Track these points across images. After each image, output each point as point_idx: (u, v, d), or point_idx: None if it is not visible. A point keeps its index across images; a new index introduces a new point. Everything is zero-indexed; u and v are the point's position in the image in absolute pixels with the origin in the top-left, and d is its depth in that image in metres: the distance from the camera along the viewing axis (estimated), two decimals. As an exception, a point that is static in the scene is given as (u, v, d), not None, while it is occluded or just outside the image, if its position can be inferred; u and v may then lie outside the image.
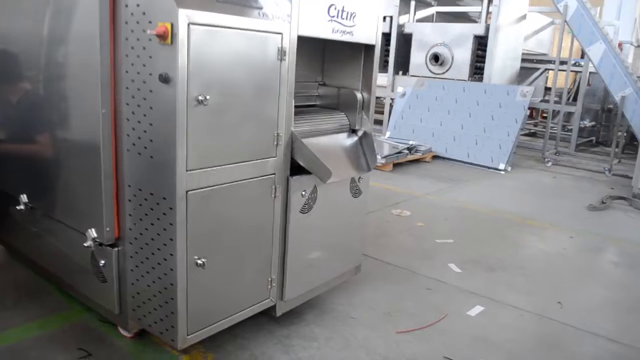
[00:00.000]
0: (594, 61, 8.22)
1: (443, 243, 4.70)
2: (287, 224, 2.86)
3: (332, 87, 3.41)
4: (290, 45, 2.64)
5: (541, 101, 10.18)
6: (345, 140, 3.27)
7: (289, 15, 2.62)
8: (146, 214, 2.47)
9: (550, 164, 8.60)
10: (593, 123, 11.10)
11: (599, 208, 6.19)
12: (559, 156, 8.96)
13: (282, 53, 2.59)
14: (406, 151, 7.77)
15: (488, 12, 9.18)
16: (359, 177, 3.27)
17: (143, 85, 2.34)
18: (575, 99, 10.48)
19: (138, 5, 2.30)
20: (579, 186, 7.36)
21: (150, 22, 2.25)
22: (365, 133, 3.31)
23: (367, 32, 3.15)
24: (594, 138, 11.05)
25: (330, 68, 3.44)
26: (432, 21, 10.70)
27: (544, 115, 12.56)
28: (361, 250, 3.57)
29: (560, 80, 13.92)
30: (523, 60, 10.22)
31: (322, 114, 3.22)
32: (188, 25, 2.17)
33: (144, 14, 2.28)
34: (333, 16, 2.89)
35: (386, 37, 9.93)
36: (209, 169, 2.40)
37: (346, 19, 2.97)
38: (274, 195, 2.75)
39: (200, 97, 2.26)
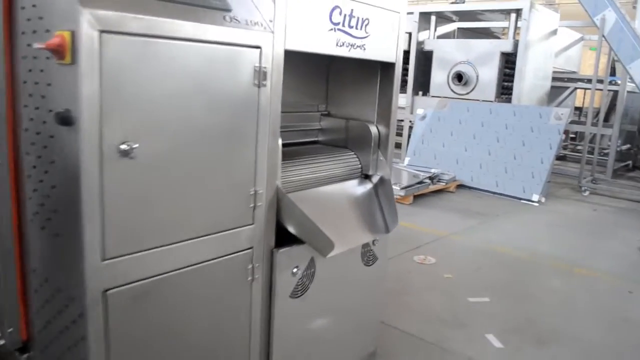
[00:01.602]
0: (637, 79, 7.28)
1: (477, 302, 3.79)
2: (271, 315, 2.00)
3: (339, 119, 2.57)
4: (274, 63, 1.80)
5: (571, 122, 9.22)
6: (356, 189, 2.41)
7: (271, 21, 1.79)
8: (54, 316, 1.63)
9: (587, 193, 7.64)
10: (628, 146, 10.10)
11: (654, 250, 5.24)
12: (596, 184, 7.98)
13: (261, 75, 1.76)
14: (428, 181, 6.88)
15: (516, 27, 8.30)
16: (374, 240, 2.41)
17: (43, 126, 1.51)
18: (606, 120, 9.48)
19: (34, 6, 1.48)
20: (624, 221, 6.38)
21: (47, 30, 1.43)
22: (382, 179, 2.45)
23: (385, 46, 2.31)
24: (630, 162, 10.04)
25: (336, 93, 2.60)
26: (454, 37, 9.84)
27: (572, 136, 11.59)
28: (376, 331, 2.69)
29: (588, 100, 12.96)
30: (553, 79, 9.30)
31: (324, 154, 2.37)
32: (99, 33, 1.34)
33: (40, 18, 1.46)
34: (337, 23, 2.05)
35: (405, 54, 9.08)
36: (141, 253, 1.54)
37: (356, 27, 2.13)
38: (251, 278, 1.89)
39: (123, 146, 1.43)
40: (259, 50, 1.74)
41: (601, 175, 8.55)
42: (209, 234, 1.72)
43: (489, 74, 8.32)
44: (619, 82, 8.68)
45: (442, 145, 7.91)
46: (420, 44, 9.08)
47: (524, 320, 3.55)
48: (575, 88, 10.35)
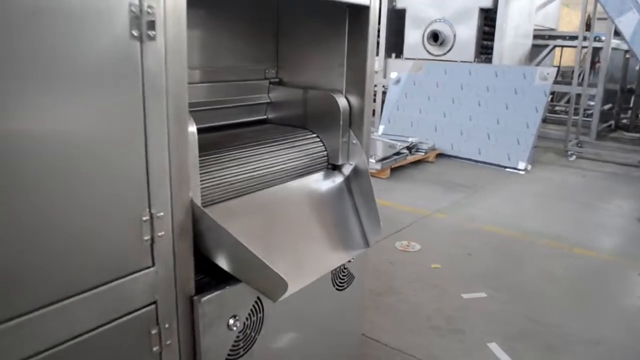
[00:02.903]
0: (626, 34, 6.64)
1: (473, 299, 3.16)
2: (197, 394, 1.30)
3: (294, 88, 1.85)
4: (167, 1, 1.06)
5: (554, 83, 8.60)
6: (320, 187, 1.70)
7: None
8: None
9: (574, 157, 7.06)
10: (610, 105, 9.55)
11: (656, 221, 4.69)
12: (582, 148, 7.42)
13: (143, 22, 1.02)
14: (406, 151, 6.21)
15: (495, -20, 7.55)
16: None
17: None
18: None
19: None
20: (616, 188, 5.83)
21: None
22: (356, 171, 1.74)
23: (354, -21, 1.58)
24: (612, 122, 9.51)
25: (289, 53, 1.87)
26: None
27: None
28: (357, 350, 2.03)
29: (566, 58, 12.38)
30: (533, 37, 8.62)
31: (273, 139, 1.65)
32: None
33: None
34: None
35: (375, 14, 8.29)
36: None
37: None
38: (158, 348, 1.19)
39: None
40: (139, -23, 1.00)
41: (586, 137, 7.99)
42: (75, 295, 1.00)
43: (467, 33, 7.60)
44: (603, 38, 8.05)
45: (418, 112, 7.22)
46: (391, 1, 8.27)
47: (528, 320, 2.93)
48: (555, 46, 9.71)
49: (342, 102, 1.70)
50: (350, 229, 1.64)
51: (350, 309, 1.87)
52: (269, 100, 1.89)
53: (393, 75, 7.76)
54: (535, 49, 9.27)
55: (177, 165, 1.13)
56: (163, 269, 1.15)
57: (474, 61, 7.53)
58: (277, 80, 1.89)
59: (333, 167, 1.77)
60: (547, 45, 9.44)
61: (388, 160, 5.84)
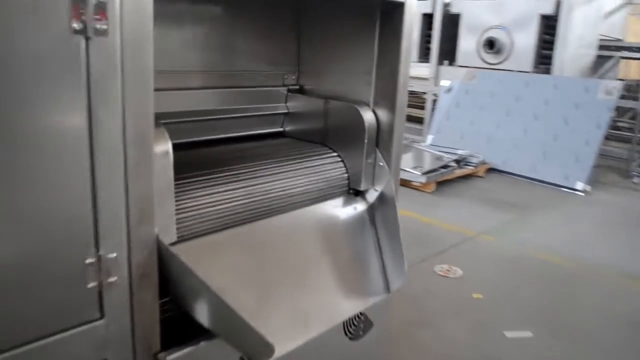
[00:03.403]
0: None
1: (518, 339, 2.81)
2: None
3: (315, 98, 1.59)
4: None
5: (622, 98, 8.00)
6: (337, 217, 1.44)
7: None
8: None
9: (638, 179, 6.50)
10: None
11: None
12: (648, 169, 6.82)
13: (91, 15, 0.78)
14: (453, 164, 5.84)
15: (558, -14, 7.07)
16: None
17: None
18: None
19: None
20: (688, 215, 5.28)
21: None
22: (382, 198, 1.47)
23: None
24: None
25: (312, 57, 1.62)
26: None
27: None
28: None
29: (633, 71, 11.61)
30: (598, 47, 8.05)
31: (284, 156, 1.40)
32: None
33: None
34: None
35: (428, 18, 7.95)
36: None
37: None
38: (107, 418, 0.95)
39: None
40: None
41: (652, 158, 7.36)
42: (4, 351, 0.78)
43: (526, 41, 7.14)
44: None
45: (470, 123, 6.82)
46: (446, 5, 7.89)
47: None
48: (621, 58, 9.06)
49: (367, 116, 1.44)
50: (369, 270, 1.37)
51: None
52: (286, 111, 1.64)
53: (445, 83, 7.39)
54: (599, 61, 8.67)
55: (138, 194, 0.89)
56: (116, 322, 0.91)
57: (532, 71, 7.06)
58: (297, 87, 1.64)
59: (355, 193, 1.50)
60: (612, 57, 8.82)
61: (434, 173, 5.49)
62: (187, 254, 1.02)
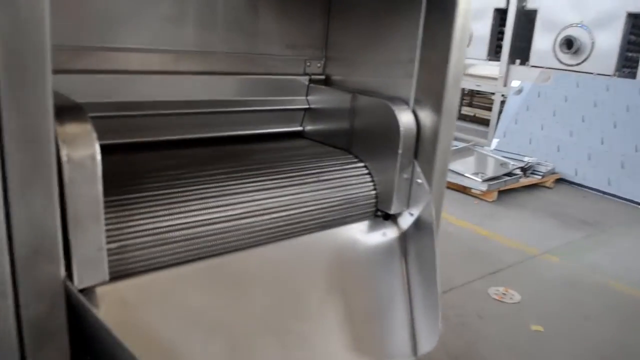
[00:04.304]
0: None
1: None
2: None
3: (342, 91, 1.26)
4: None
5: None
6: (356, 246, 1.11)
7: None
8: None
9: None
10: None
11: None
12: None
13: None
14: (519, 172, 5.33)
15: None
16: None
17: None
18: None
19: None
20: None
21: None
22: (418, 225, 1.12)
23: None
24: None
25: (345, 38, 1.29)
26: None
27: None
28: None
29: None
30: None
31: (292, 162, 1.08)
32: None
33: None
34: None
35: (501, 14, 7.40)
36: None
37: None
38: None
39: None
40: None
41: None
42: None
43: (609, 41, 6.46)
44: None
45: (540, 128, 6.25)
46: (521, 1, 7.31)
47: None
48: None
49: (405, 117, 1.09)
50: (391, 322, 1.02)
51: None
52: (306, 105, 1.32)
53: (515, 84, 6.83)
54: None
55: (28, 220, 0.59)
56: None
57: (614, 75, 6.39)
58: (321, 77, 1.31)
59: (384, 216, 1.16)
60: None
61: (497, 181, 5.02)
62: (125, 298, 0.73)
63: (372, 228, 1.15)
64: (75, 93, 1.01)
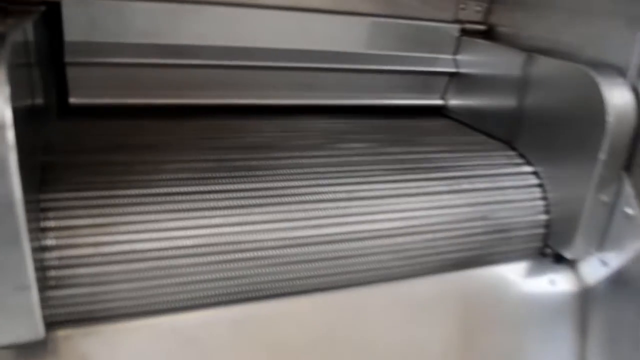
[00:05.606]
0: None
1: None
2: None
3: (511, 49, 0.81)
4: None
5: None
6: (503, 303, 0.68)
7: None
8: None
9: None
10: None
11: None
12: None
13: None
14: None
15: None
16: None
17: None
18: None
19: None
20: None
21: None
22: (620, 279, 0.66)
23: None
24: None
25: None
26: None
27: None
28: None
29: None
30: None
31: (402, 159, 0.68)
32: None
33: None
34: None
35: None
36: None
37: None
38: None
39: None
40: None
41: None
42: None
43: None
44: None
45: None
46: None
47: None
48: None
49: (616, 97, 0.62)
50: None
51: None
52: (453, 69, 0.88)
53: None
54: None
55: None
56: None
57: None
58: (481, 27, 0.87)
59: (556, 258, 0.71)
60: None
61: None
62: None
63: (533, 273, 0.70)
64: (101, 28, 0.71)
